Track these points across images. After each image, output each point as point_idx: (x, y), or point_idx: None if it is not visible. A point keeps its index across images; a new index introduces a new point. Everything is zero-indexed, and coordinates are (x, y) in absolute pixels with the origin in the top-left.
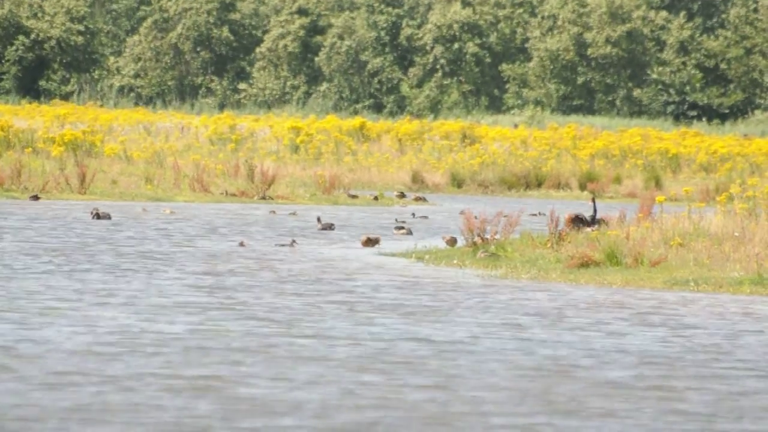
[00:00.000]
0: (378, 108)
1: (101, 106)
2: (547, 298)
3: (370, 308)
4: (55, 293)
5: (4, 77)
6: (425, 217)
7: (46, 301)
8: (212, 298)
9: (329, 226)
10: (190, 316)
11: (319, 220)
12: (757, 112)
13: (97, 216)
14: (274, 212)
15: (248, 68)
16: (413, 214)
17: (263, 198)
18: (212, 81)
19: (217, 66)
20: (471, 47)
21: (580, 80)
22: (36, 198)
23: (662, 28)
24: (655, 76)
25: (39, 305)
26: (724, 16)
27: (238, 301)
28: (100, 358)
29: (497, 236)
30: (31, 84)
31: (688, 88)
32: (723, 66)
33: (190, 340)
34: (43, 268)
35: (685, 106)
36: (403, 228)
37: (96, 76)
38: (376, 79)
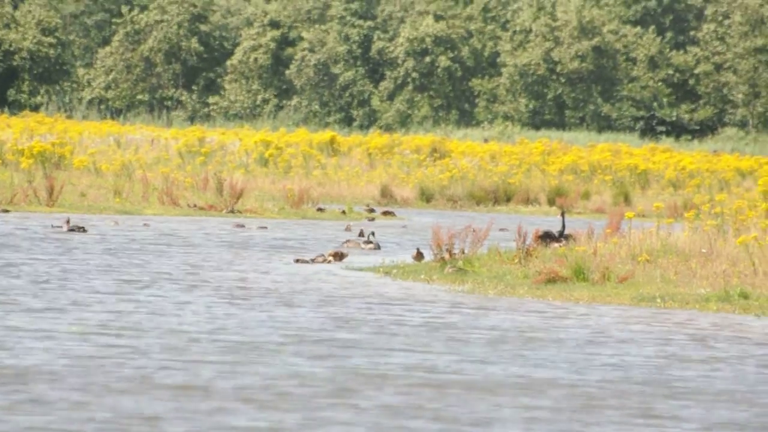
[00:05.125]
0: (348, 121)
1: (69, 117)
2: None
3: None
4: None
5: None
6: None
7: None
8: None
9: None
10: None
11: (351, 228)
12: (726, 128)
13: (70, 228)
14: (242, 225)
15: (219, 80)
16: (348, 227)
17: (231, 212)
18: (182, 94)
19: (187, 78)
20: (443, 61)
21: (550, 95)
22: (5, 211)
23: (633, 43)
24: (625, 92)
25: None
26: (693, 32)
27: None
28: None
29: (465, 251)
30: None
31: (656, 104)
32: (692, 82)
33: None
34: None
35: (655, 122)
36: (371, 242)
37: (66, 88)
38: (347, 93)
